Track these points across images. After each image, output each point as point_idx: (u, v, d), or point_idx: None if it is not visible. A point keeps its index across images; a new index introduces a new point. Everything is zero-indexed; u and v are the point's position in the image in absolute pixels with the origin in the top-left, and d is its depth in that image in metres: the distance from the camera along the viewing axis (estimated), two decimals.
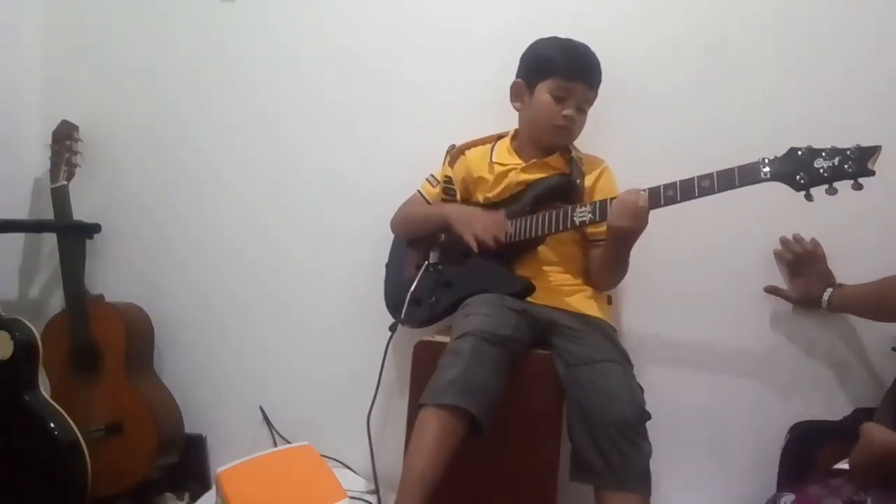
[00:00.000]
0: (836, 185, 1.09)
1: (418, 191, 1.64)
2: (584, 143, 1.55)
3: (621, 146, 1.59)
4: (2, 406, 1.52)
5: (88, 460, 1.52)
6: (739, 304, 1.56)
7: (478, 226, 1.41)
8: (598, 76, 1.46)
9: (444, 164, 1.61)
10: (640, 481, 1.18)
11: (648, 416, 1.23)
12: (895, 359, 1.44)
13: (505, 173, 1.50)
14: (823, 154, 1.10)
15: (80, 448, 1.52)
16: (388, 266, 1.65)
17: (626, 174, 1.53)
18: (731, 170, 1.16)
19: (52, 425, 1.50)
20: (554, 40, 1.46)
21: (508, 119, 1.56)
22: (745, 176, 1.15)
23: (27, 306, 1.95)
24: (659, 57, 1.62)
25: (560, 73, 1.41)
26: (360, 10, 1.80)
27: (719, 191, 1.17)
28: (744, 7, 1.58)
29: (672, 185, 1.21)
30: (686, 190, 1.19)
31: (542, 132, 1.47)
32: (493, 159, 1.53)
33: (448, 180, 1.58)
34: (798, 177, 1.11)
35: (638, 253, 1.53)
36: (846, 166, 1.07)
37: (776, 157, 1.14)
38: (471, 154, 1.58)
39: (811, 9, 1.54)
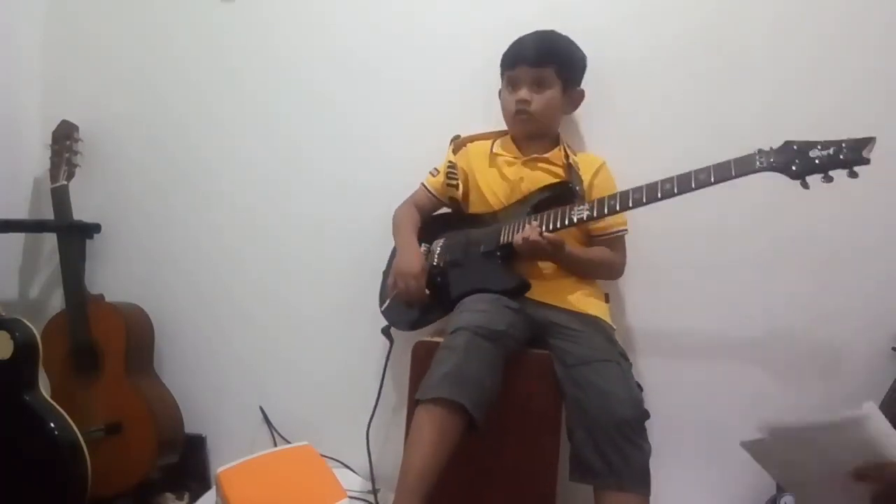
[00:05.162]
0: (832, 174, 1.10)
1: (423, 184, 1.65)
2: (584, 143, 1.55)
3: (620, 146, 1.59)
4: (2, 406, 1.52)
5: (88, 460, 1.51)
6: (739, 304, 1.56)
7: (402, 283, 1.45)
8: (538, 52, 1.45)
9: (448, 151, 1.62)
10: (640, 481, 1.18)
11: (647, 416, 1.23)
12: (895, 359, 1.44)
13: (505, 164, 1.52)
14: (819, 146, 1.11)
15: (80, 448, 1.51)
16: (385, 273, 1.63)
17: (625, 173, 1.53)
18: (727, 162, 1.17)
19: (52, 425, 1.50)
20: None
21: None
22: (741, 167, 1.16)
23: (27, 306, 1.95)
24: (659, 57, 1.61)
25: (505, 65, 1.50)
26: (359, 10, 1.80)
27: (716, 182, 1.17)
28: (745, 7, 1.58)
29: (669, 180, 1.22)
30: (683, 183, 1.20)
31: (510, 124, 1.54)
32: (494, 151, 1.55)
33: (452, 166, 1.59)
34: (793, 166, 1.12)
35: (636, 252, 1.53)
36: (841, 155, 1.08)
37: (771, 149, 1.15)
38: (473, 147, 1.60)
39: (813, 9, 1.54)
